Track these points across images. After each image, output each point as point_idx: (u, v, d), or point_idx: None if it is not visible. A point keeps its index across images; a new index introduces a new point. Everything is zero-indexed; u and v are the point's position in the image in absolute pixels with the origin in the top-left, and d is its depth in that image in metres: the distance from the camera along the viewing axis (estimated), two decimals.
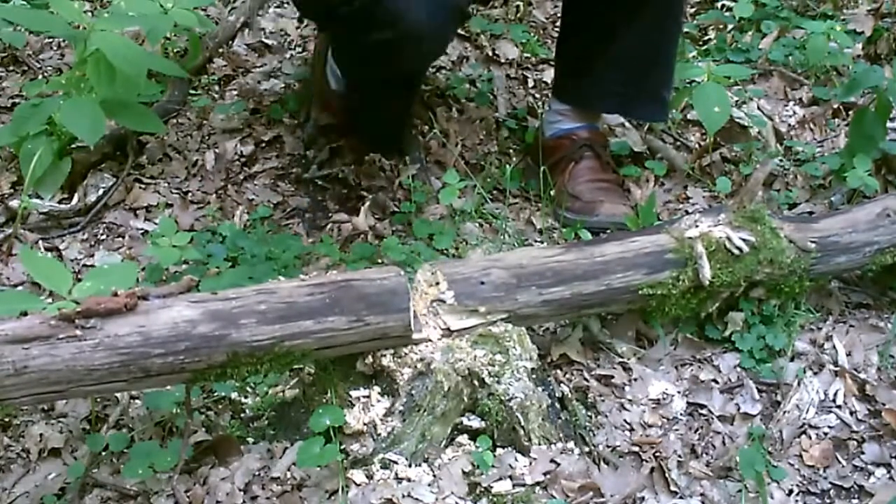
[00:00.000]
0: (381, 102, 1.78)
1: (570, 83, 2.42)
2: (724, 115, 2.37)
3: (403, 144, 2.45)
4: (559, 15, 2.53)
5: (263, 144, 2.52)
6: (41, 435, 1.76)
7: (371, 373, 1.64)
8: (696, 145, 2.59)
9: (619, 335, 1.98)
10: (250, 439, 1.74)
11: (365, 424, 1.60)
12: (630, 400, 1.85)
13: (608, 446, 1.76)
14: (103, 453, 1.71)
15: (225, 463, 1.68)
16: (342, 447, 1.59)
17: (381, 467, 1.61)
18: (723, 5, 3.17)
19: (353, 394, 1.62)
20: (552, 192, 2.35)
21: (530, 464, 1.64)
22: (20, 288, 2.06)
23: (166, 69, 2.45)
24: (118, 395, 1.79)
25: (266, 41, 2.92)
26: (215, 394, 1.83)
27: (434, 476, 1.62)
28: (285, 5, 3.06)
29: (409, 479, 1.60)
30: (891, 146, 2.38)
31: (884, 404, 1.84)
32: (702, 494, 1.68)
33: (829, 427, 1.81)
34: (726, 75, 2.53)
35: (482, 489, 1.60)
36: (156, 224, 2.23)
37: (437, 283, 1.70)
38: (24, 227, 2.23)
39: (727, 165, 2.51)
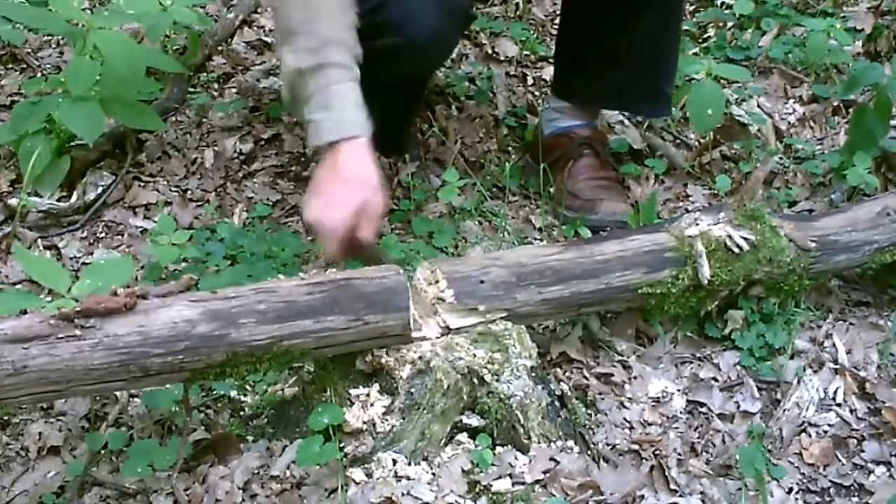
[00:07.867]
0: (385, 105, 1.78)
1: (569, 80, 2.41)
2: (716, 118, 2.37)
3: (405, 144, 2.45)
4: (558, 12, 2.53)
5: (263, 142, 2.52)
6: (40, 433, 1.76)
7: (370, 371, 1.63)
8: (696, 143, 2.59)
9: (618, 333, 1.98)
10: (250, 438, 1.74)
11: (364, 423, 1.60)
12: (630, 398, 1.85)
13: (608, 444, 1.76)
14: (102, 452, 1.71)
15: (224, 461, 1.68)
16: (341, 445, 1.59)
17: (381, 465, 1.61)
18: (722, 3, 3.17)
19: (353, 392, 1.62)
20: (552, 190, 2.34)
21: (530, 462, 1.64)
22: (19, 287, 2.06)
23: (164, 65, 2.45)
24: (117, 393, 1.78)
25: (265, 39, 2.92)
26: (214, 392, 1.83)
27: (433, 474, 1.61)
28: None
29: (408, 478, 1.59)
30: (891, 144, 2.38)
31: (884, 402, 1.84)
32: (701, 493, 1.68)
33: (829, 425, 1.81)
34: (725, 76, 2.53)
35: (482, 487, 1.60)
36: (155, 222, 2.23)
37: (437, 282, 1.70)
38: (23, 226, 2.23)
39: (727, 163, 2.51)
